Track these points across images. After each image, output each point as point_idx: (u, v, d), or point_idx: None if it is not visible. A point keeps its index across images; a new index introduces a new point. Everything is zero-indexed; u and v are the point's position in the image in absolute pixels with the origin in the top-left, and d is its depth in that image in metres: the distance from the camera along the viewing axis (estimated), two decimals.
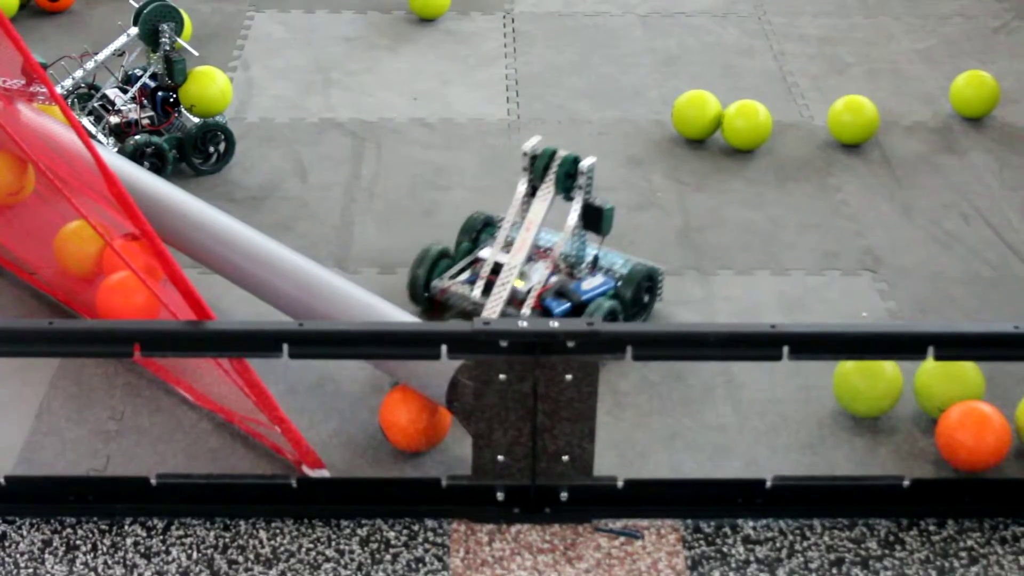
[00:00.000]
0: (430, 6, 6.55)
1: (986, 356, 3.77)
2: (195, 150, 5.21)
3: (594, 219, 4.30)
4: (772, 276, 4.74)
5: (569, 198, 4.32)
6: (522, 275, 4.28)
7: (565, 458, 3.58)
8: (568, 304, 4.24)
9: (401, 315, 3.87)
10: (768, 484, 3.62)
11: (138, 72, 5.30)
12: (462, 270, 4.43)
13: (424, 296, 4.41)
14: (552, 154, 4.30)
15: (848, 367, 3.98)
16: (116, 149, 5.06)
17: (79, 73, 5.22)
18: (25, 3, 6.57)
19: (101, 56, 5.26)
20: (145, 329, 3.51)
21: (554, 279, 4.31)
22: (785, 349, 3.44)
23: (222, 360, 3.65)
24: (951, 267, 4.81)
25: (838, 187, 5.28)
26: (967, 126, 5.73)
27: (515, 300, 4.24)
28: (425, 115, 5.75)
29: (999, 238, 4.98)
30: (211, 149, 5.26)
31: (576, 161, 4.27)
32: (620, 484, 3.63)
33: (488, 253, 4.39)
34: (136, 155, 5.02)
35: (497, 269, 4.31)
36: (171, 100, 5.29)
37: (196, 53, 5.50)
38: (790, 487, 3.64)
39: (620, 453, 3.89)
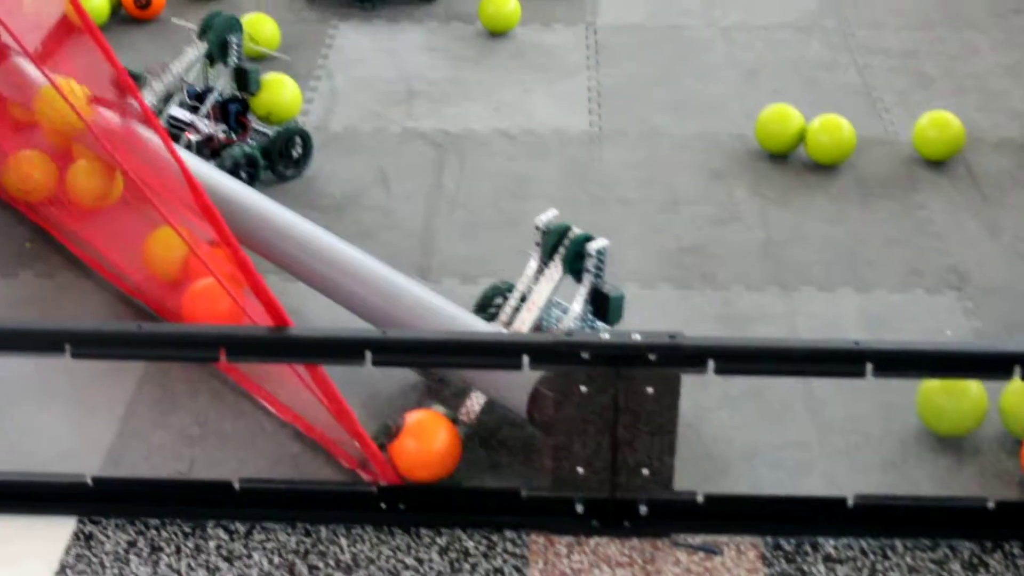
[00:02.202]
0: (500, 20, 6.56)
1: None
2: (279, 156, 5.26)
3: (601, 306, 3.99)
4: (854, 293, 4.70)
5: (577, 281, 4.02)
6: None
7: (645, 471, 3.58)
8: None
9: (483, 325, 3.89)
10: (850, 503, 3.59)
11: (198, 88, 5.33)
12: None
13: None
14: (564, 231, 4.00)
15: (932, 385, 3.94)
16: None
17: (159, 87, 5.28)
18: (115, 10, 6.67)
19: (176, 69, 5.29)
20: (231, 334, 3.55)
21: None
22: (869, 366, 3.41)
23: (302, 371, 3.68)
24: None
25: (923, 204, 5.23)
26: None
27: None
28: (507, 126, 5.77)
29: None
30: (292, 154, 5.31)
31: (587, 240, 3.97)
32: (700, 499, 3.62)
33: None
34: (234, 168, 5.07)
35: None
36: (243, 111, 5.34)
37: (287, 58, 5.56)
38: (872, 506, 3.60)
39: (700, 468, 3.87)
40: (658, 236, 5.00)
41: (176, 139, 5.20)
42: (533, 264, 4.07)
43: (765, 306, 4.62)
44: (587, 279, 3.97)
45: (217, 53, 5.28)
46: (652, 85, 6.15)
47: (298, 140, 5.32)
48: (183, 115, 5.30)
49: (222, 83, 5.33)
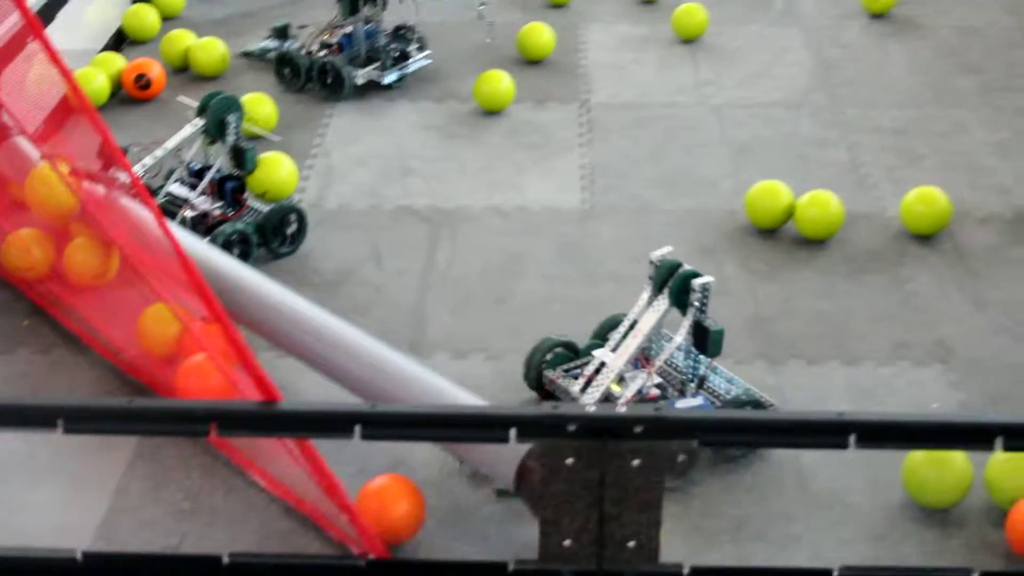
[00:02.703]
0: (494, 99, 6.66)
1: None
2: (273, 233, 5.34)
3: (701, 339, 4.26)
4: (842, 366, 4.74)
5: (683, 313, 4.30)
6: (622, 380, 4.30)
7: (631, 544, 3.59)
8: None
9: (471, 399, 3.93)
10: (835, 575, 3.60)
11: (197, 165, 5.42)
12: (579, 364, 4.47)
13: (537, 384, 4.49)
14: (675, 267, 4.30)
15: (917, 457, 3.98)
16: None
17: (149, 161, 5.37)
18: (116, 91, 6.78)
19: (170, 144, 5.40)
20: (221, 409, 3.56)
21: (655, 391, 4.31)
22: (852, 437, 3.43)
23: (292, 446, 3.72)
24: None
25: (910, 278, 5.29)
26: None
27: (609, 401, 4.26)
28: (500, 202, 5.85)
29: None
30: (286, 231, 5.39)
31: (693, 277, 4.25)
32: (686, 572, 3.62)
33: (599, 352, 4.40)
34: (226, 245, 5.15)
35: (601, 369, 4.34)
36: (239, 189, 5.43)
37: (278, 139, 5.65)
38: None
39: (687, 540, 3.90)
40: None
41: (173, 215, 5.29)
42: (645, 296, 4.39)
43: (754, 379, 4.65)
44: (690, 312, 4.26)
45: (215, 131, 5.38)
46: (644, 162, 6.23)
47: (292, 217, 5.41)
48: (181, 192, 5.38)
49: (220, 161, 5.42)
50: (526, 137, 6.47)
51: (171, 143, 5.41)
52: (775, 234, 5.59)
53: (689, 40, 7.49)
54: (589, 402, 4.24)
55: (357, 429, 3.49)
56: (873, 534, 3.94)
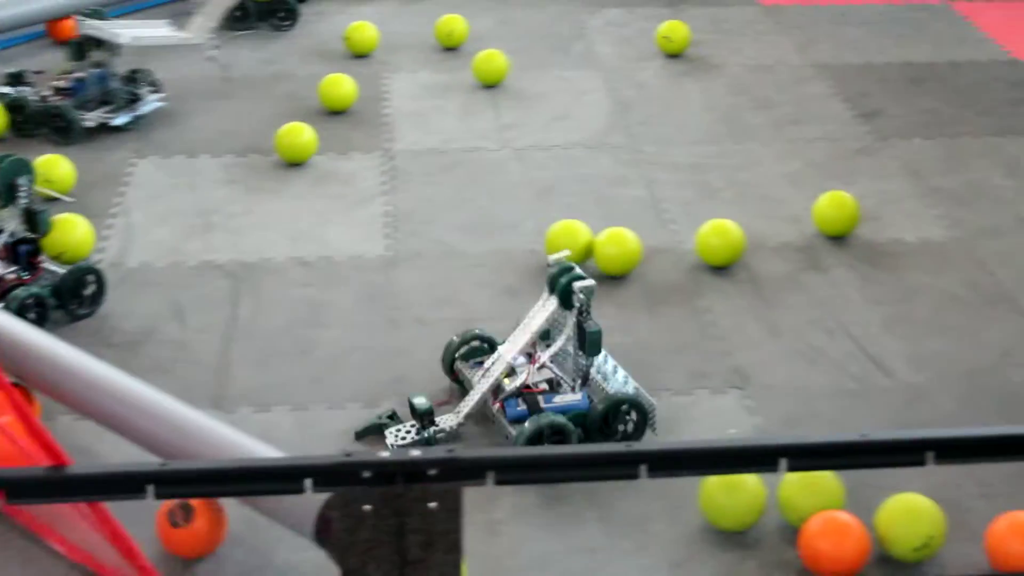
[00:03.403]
0: (297, 150, 6.66)
1: (837, 465, 3.86)
2: (70, 295, 5.26)
3: (581, 339, 4.55)
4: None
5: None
6: (513, 372, 4.63)
7: None
8: (524, 409, 4.54)
9: (269, 451, 3.91)
10: None
11: None
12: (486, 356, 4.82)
13: (450, 373, 4.84)
14: (565, 270, 4.63)
15: (711, 483, 4.08)
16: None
17: None
18: None
19: None
20: (7, 476, 3.49)
21: (544, 385, 4.65)
22: (643, 467, 3.51)
23: (87, 511, 3.66)
24: (816, 381, 4.95)
25: (707, 308, 5.43)
26: (831, 244, 5.93)
27: (498, 391, 4.61)
28: (303, 254, 5.84)
29: (862, 351, 5.14)
30: (84, 292, 5.31)
31: (577, 279, 4.57)
32: None
33: (502, 347, 4.75)
34: (21, 309, 5.04)
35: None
36: (34, 252, 5.32)
37: (71, 199, 5.57)
38: None
39: None
40: None
41: None
42: (544, 296, 4.71)
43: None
44: (573, 313, 4.58)
45: (6, 195, 5.26)
46: (448, 207, 6.29)
47: (90, 278, 5.33)
48: None
49: (12, 224, 5.31)
50: (329, 187, 6.48)
51: None
52: None
53: (490, 85, 7.59)
54: (479, 390, 4.62)
55: (150, 489, 3.47)
56: (673, 560, 4.02)
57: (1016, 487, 4.32)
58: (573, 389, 4.59)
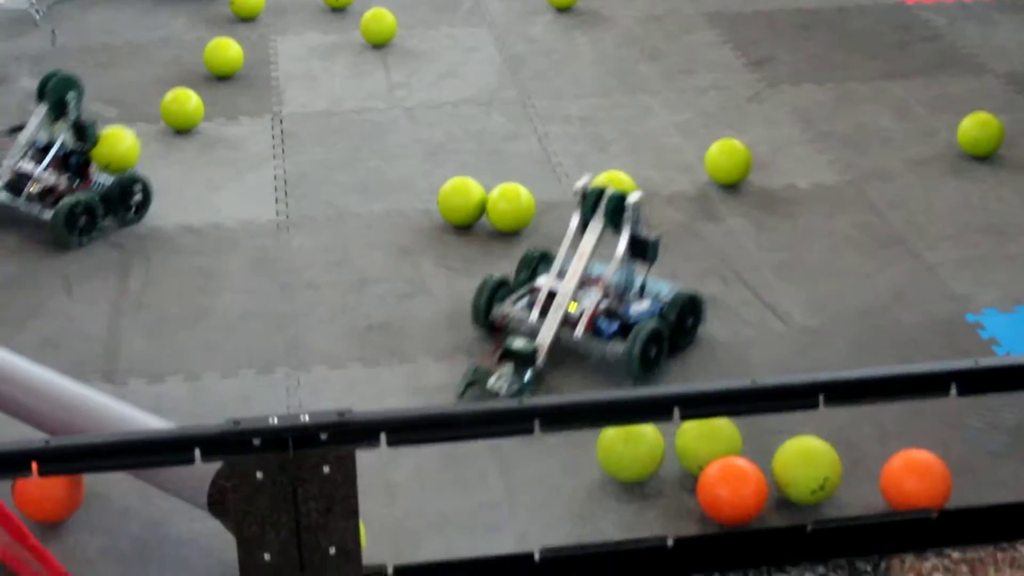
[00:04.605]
0: (183, 118, 6.54)
1: (729, 411, 3.87)
2: (118, 203, 5.55)
3: (641, 249, 4.67)
4: None
5: (617, 231, 4.68)
6: (575, 300, 4.64)
7: (332, 551, 3.57)
8: (617, 324, 4.59)
9: (158, 423, 3.84)
10: (536, 557, 3.65)
11: (41, 142, 5.60)
12: (521, 297, 4.79)
13: (485, 322, 4.77)
14: (601, 192, 4.69)
15: (609, 435, 4.08)
16: (50, 214, 5.38)
17: (16, 155, 5.55)
18: None
19: (27, 134, 5.56)
20: None
21: (604, 304, 4.66)
22: (536, 422, 3.49)
23: None
24: (713, 329, 4.96)
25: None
26: (724, 193, 5.95)
27: (569, 322, 4.62)
28: (193, 221, 5.75)
29: (757, 298, 5.16)
30: (131, 200, 5.59)
31: (623, 198, 4.63)
32: (390, 571, 3.62)
33: (544, 281, 4.75)
34: (70, 216, 5.34)
35: (552, 296, 4.66)
36: (84, 163, 5.60)
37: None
38: (557, 558, 3.67)
39: (394, 541, 3.90)
40: (346, 316, 5.04)
41: (20, 191, 5.51)
42: (574, 224, 4.76)
43: (457, 374, 4.69)
44: (627, 228, 4.66)
45: (55, 110, 5.57)
46: (339, 169, 6.21)
47: (137, 187, 5.63)
48: (27, 167, 5.56)
49: (63, 137, 5.60)
50: (218, 153, 6.37)
51: (24, 136, 5.56)
52: (470, 230, 5.65)
53: (379, 45, 7.51)
54: (549, 327, 4.59)
55: (35, 466, 3.39)
56: (576, 513, 4.02)
57: (910, 426, 4.36)
58: (622, 301, 4.71)
